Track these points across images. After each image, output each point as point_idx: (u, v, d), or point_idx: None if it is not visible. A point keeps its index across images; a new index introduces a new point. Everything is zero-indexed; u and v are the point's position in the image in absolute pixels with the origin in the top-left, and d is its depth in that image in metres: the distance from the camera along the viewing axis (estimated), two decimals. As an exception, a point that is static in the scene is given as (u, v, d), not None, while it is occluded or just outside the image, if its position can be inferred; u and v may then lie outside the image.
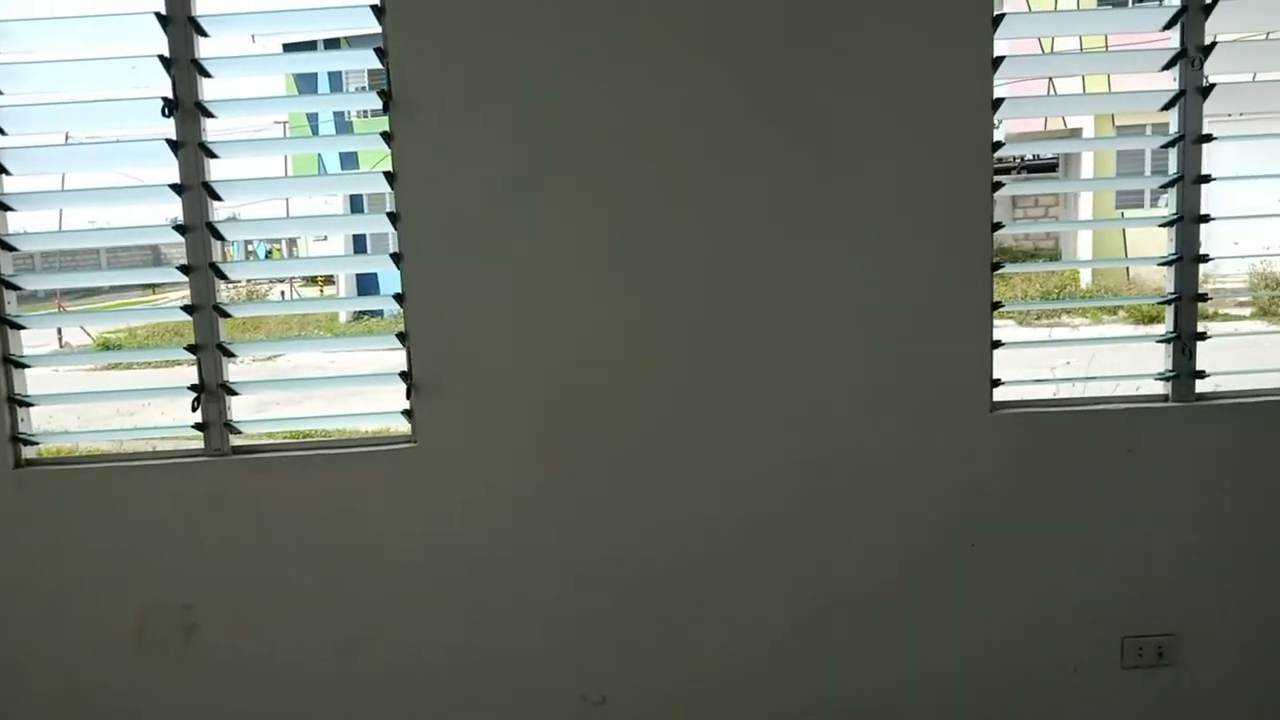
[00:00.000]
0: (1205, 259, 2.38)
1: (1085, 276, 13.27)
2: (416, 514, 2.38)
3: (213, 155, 2.29)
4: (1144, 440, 2.40)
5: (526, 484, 2.37)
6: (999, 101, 2.27)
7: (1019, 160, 13.97)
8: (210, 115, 2.28)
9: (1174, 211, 2.36)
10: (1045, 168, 14.86)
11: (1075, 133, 12.85)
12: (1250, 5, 2.39)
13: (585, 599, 2.41)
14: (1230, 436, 2.40)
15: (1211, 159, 2.35)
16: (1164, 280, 2.45)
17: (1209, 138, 2.32)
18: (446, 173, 2.27)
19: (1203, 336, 2.39)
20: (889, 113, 2.27)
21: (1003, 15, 2.24)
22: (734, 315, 2.34)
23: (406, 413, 2.37)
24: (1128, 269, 12.66)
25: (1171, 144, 2.34)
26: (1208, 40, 2.28)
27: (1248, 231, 2.53)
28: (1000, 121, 2.35)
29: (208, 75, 2.27)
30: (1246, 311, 10.63)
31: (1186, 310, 2.38)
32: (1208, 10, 2.26)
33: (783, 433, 2.37)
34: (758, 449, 2.38)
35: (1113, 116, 11.47)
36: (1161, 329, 2.46)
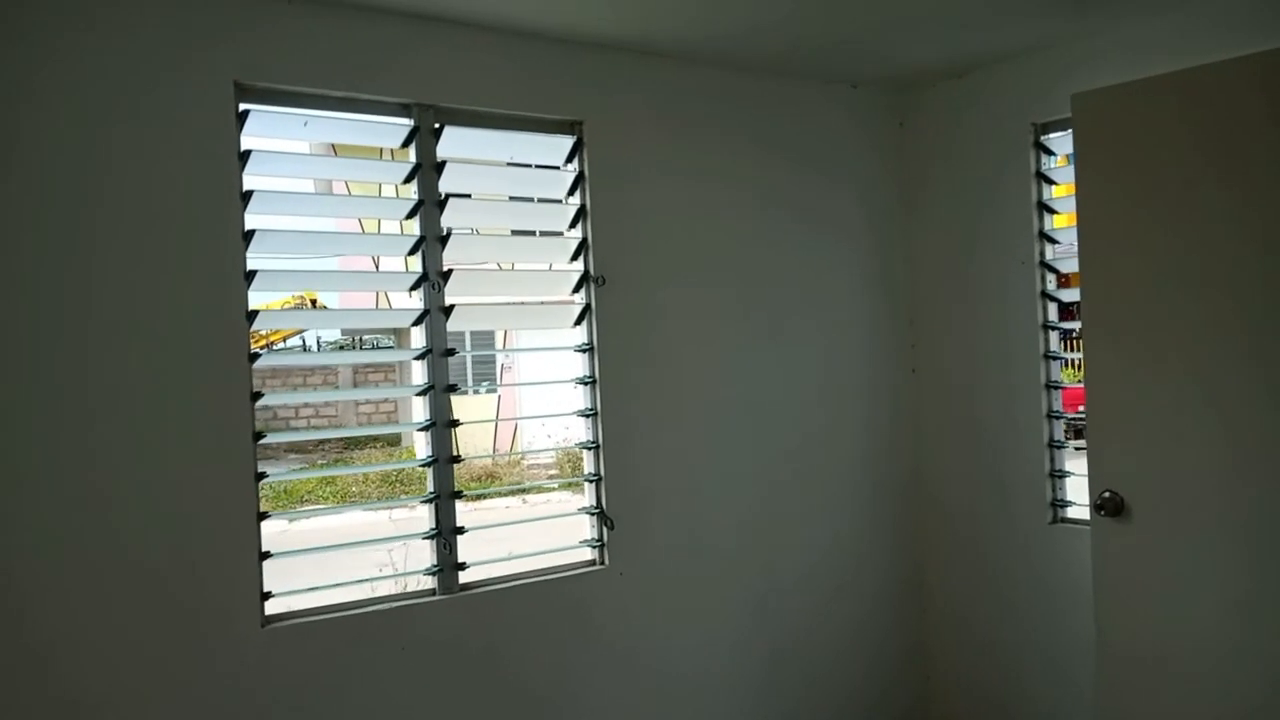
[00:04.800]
0: (459, 459, 2.63)
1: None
2: None
3: None
4: (416, 634, 2.49)
5: None
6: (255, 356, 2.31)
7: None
8: None
9: (429, 418, 2.58)
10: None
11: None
12: (474, 242, 2.81)
13: None
14: (487, 622, 2.60)
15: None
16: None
17: (452, 352, 2.61)
18: None
19: (461, 531, 2.60)
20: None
21: (252, 234, 2.31)
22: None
23: None
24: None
25: (422, 356, 2.58)
26: (445, 268, 2.59)
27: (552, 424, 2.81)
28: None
29: None
30: (555, 484, 12.26)
31: (445, 508, 2.58)
32: (444, 242, 2.58)
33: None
34: None
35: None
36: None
